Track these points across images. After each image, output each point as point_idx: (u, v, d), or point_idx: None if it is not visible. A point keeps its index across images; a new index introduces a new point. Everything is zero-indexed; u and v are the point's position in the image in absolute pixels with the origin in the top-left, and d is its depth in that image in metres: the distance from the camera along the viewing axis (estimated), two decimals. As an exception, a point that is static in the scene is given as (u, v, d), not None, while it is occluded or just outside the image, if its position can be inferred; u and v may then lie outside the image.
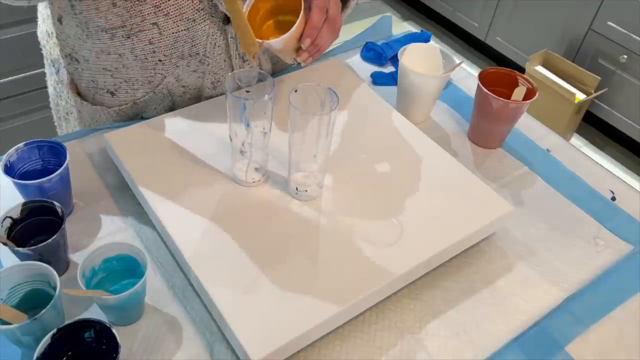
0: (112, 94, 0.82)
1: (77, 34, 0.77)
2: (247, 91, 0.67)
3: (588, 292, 0.69)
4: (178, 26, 0.74)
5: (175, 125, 0.78)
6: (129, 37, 0.74)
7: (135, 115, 0.86)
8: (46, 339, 0.51)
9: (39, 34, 0.88)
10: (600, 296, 0.69)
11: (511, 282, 0.70)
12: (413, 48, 0.88)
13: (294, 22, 0.69)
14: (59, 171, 0.66)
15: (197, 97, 0.86)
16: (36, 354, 0.51)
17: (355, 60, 1.04)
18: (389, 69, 1.02)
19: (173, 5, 0.72)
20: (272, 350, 0.55)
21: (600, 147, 2.30)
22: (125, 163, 0.72)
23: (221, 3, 0.74)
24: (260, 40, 0.69)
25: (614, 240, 0.76)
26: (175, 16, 0.73)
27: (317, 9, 0.69)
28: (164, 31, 0.74)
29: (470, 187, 0.74)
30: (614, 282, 0.71)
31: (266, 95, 0.63)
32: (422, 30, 1.11)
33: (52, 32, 0.82)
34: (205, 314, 0.63)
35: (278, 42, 0.69)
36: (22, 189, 0.67)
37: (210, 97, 0.86)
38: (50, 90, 0.93)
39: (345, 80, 0.90)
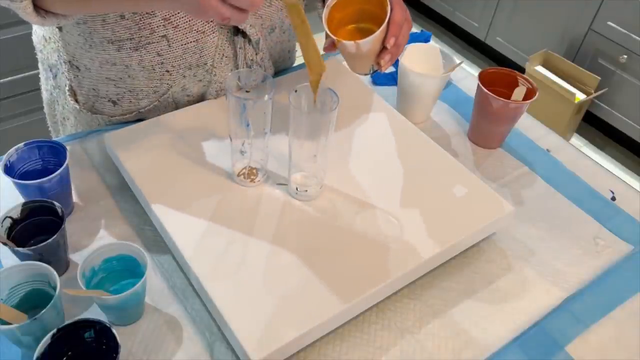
0: (114, 103, 0.82)
1: (79, 43, 0.76)
2: (247, 91, 0.67)
3: (588, 292, 0.69)
4: (187, 38, 0.74)
5: (175, 125, 0.78)
6: (136, 49, 0.74)
7: (135, 122, 0.85)
8: (46, 339, 0.51)
9: (34, 38, 0.87)
10: (600, 296, 0.69)
11: (511, 282, 0.70)
12: (413, 48, 0.88)
13: (368, 29, 0.66)
14: (59, 171, 0.66)
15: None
16: (36, 354, 0.51)
17: (355, 60, 1.04)
18: (389, 69, 1.02)
19: (183, 17, 0.72)
20: (272, 350, 0.55)
21: (600, 147, 2.30)
22: (125, 163, 0.72)
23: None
24: (351, 42, 0.66)
25: (614, 240, 0.76)
26: (185, 28, 0.73)
27: (399, 7, 0.67)
28: (172, 43, 0.74)
29: (470, 187, 0.74)
30: (614, 282, 0.71)
31: (266, 95, 0.63)
32: (422, 30, 1.11)
33: (49, 37, 0.82)
34: (205, 314, 0.63)
35: (367, 42, 0.65)
36: (22, 189, 0.67)
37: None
38: (46, 95, 0.92)
39: (345, 80, 0.90)
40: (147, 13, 0.70)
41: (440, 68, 0.89)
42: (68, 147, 0.69)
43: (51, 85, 0.88)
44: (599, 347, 0.64)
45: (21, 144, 0.68)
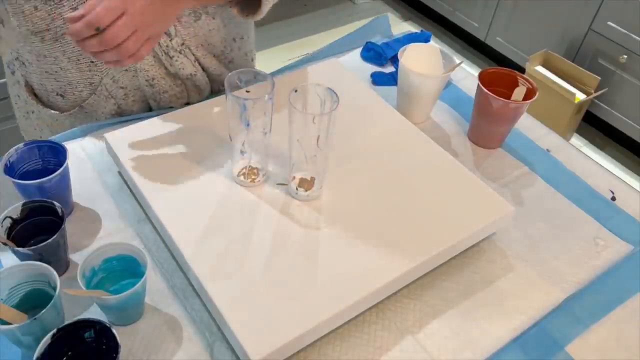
0: (62, 96, 0.84)
1: (18, 38, 0.78)
2: (247, 91, 0.67)
3: (588, 292, 0.69)
4: None
5: (176, 125, 0.78)
6: (56, 40, 0.76)
7: (88, 121, 0.86)
8: (46, 339, 0.51)
9: None
10: (600, 296, 0.69)
11: (511, 282, 0.70)
12: (413, 48, 0.88)
13: None
14: (59, 171, 0.66)
15: (142, 98, 0.87)
16: (36, 354, 0.51)
17: (355, 60, 1.04)
18: (389, 69, 1.02)
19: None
20: (272, 350, 0.55)
21: (600, 147, 2.30)
22: (125, 163, 0.72)
23: None
24: None
25: (614, 240, 0.76)
26: None
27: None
28: None
29: (470, 187, 0.74)
30: (614, 282, 0.71)
31: (266, 95, 0.63)
32: (422, 30, 1.11)
33: (0, 36, 0.84)
34: (205, 314, 0.63)
35: None
36: (22, 189, 0.67)
37: (153, 95, 0.85)
38: (10, 90, 0.93)
39: (345, 80, 0.90)
40: (55, 3, 0.71)
41: (440, 68, 0.89)
42: (68, 147, 0.69)
43: (12, 81, 0.90)
44: (599, 347, 0.64)
45: (21, 144, 0.68)
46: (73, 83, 0.82)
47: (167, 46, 0.81)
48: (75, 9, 0.72)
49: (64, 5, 0.72)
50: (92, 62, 0.79)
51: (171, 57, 0.82)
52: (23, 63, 0.83)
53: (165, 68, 0.83)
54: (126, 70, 0.81)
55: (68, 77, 0.81)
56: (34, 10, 0.72)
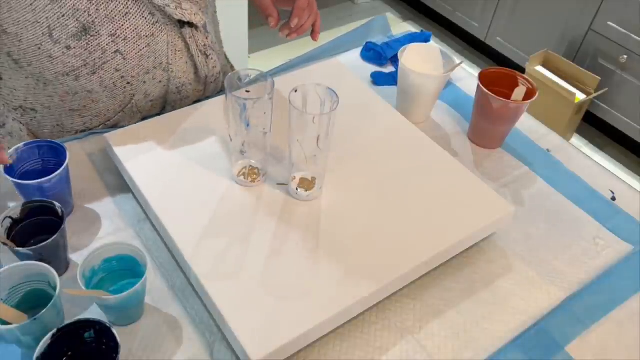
0: (84, 132, 0.83)
1: (30, 86, 0.76)
2: (247, 91, 0.67)
3: (588, 292, 0.69)
4: (139, 46, 0.74)
5: (175, 125, 0.78)
6: (94, 73, 0.74)
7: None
8: (46, 339, 0.51)
9: None
10: (600, 296, 0.69)
11: (511, 282, 0.70)
12: (413, 48, 0.88)
13: None
14: (59, 171, 0.66)
15: (162, 106, 0.87)
16: (36, 354, 0.51)
17: (355, 60, 1.04)
18: (389, 69, 1.02)
19: (128, 28, 0.72)
20: (272, 350, 0.55)
21: (600, 147, 2.30)
22: (125, 163, 0.72)
23: (175, 14, 0.74)
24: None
25: (614, 240, 0.76)
26: (134, 37, 0.73)
27: None
28: (127, 55, 0.74)
29: (470, 187, 0.74)
30: (614, 282, 0.71)
31: (266, 95, 0.63)
32: (422, 30, 1.11)
33: None
34: (205, 314, 0.63)
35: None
36: (22, 189, 0.67)
37: (174, 102, 0.86)
38: None
39: (345, 80, 0.90)
40: (91, 36, 0.70)
41: (440, 68, 0.89)
42: (68, 147, 0.69)
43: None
44: (599, 347, 0.64)
45: (21, 144, 0.68)
46: (102, 112, 0.80)
47: (204, 45, 0.81)
48: (114, 34, 0.71)
49: (101, 35, 0.70)
50: (128, 83, 0.77)
51: (207, 56, 0.82)
52: (33, 110, 0.79)
53: (195, 72, 0.84)
54: (159, 82, 0.81)
55: (99, 107, 0.80)
56: (67, 50, 0.70)
